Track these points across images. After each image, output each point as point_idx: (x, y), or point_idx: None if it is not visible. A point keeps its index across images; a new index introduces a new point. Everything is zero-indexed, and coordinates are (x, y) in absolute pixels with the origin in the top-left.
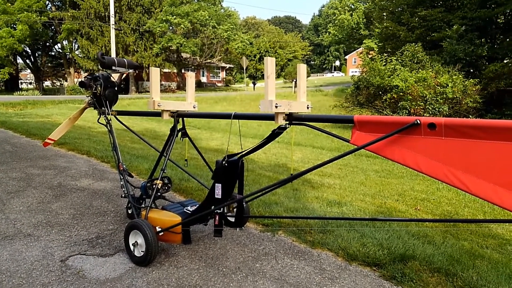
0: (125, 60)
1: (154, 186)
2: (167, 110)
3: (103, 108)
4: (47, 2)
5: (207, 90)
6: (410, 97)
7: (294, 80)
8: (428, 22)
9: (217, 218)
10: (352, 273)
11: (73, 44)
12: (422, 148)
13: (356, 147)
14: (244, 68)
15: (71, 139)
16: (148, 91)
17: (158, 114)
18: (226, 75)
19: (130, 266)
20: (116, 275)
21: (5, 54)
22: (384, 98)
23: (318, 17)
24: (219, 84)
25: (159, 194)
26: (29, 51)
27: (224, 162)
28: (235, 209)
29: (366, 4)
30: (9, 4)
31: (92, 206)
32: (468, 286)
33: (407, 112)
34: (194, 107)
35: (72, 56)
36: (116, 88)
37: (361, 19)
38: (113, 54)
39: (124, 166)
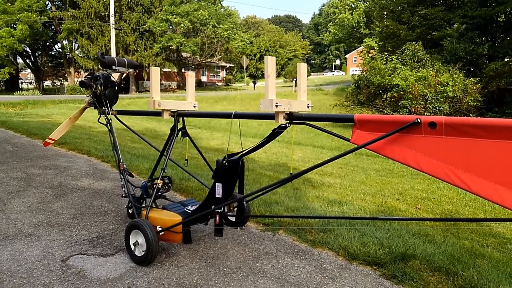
0: (125, 60)
1: (154, 185)
2: (167, 110)
3: (103, 108)
4: (47, 2)
5: (207, 90)
6: (411, 96)
7: (295, 79)
8: (428, 21)
9: (217, 217)
10: (352, 272)
11: (73, 43)
12: (423, 147)
13: (356, 146)
14: (245, 68)
15: (72, 138)
16: (148, 91)
17: (158, 113)
18: (226, 74)
19: (131, 266)
20: (117, 275)
21: (5, 54)
22: (384, 97)
23: (319, 16)
24: (220, 84)
25: (159, 193)
26: (29, 51)
27: (224, 162)
28: (235, 209)
29: (366, 3)
30: (9, 4)
31: (92, 205)
32: (469, 285)
33: (407, 111)
34: (194, 106)
35: (72, 56)
36: (116, 88)
37: (361, 18)
38: (113, 54)
39: (125, 165)
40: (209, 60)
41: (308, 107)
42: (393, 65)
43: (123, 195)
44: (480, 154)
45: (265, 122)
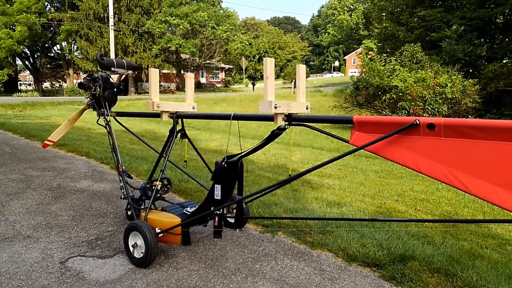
0: (124, 61)
1: (153, 187)
2: (166, 111)
3: (102, 109)
4: (46, 3)
5: (206, 91)
6: (409, 97)
7: (294, 81)
8: (427, 22)
9: (216, 219)
10: (352, 274)
11: (72, 45)
12: (421, 148)
13: (355, 147)
14: (243, 69)
15: (71, 140)
16: (147, 92)
17: (157, 115)
18: (225, 76)
19: (130, 268)
20: (116, 277)
21: (4, 56)
22: (383, 98)
23: (317, 18)
24: (219, 85)
25: (158, 195)
26: (28, 52)
27: (223, 163)
28: (234, 210)
29: (365, 4)
30: (8, 6)
31: (91, 207)
32: (468, 286)
33: (406, 112)
34: (193, 108)
35: (71, 57)
36: (115, 89)
37: (360, 19)
38: (112, 55)
39: (124, 167)
40: (208, 61)
41: (307, 108)
42: (392, 66)
43: (122, 197)
44: (479, 156)
45: (264, 124)
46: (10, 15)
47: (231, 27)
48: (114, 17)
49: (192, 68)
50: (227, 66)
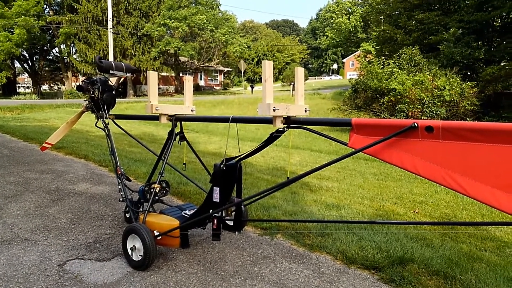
0: (123, 64)
1: (152, 190)
2: (165, 114)
3: (100, 112)
4: (45, 6)
5: (205, 94)
6: (408, 100)
7: (292, 83)
8: (425, 25)
9: (215, 221)
10: (350, 277)
11: (71, 48)
12: (420, 151)
13: (354, 150)
14: (242, 72)
15: (69, 143)
16: (146, 95)
17: (156, 118)
18: (224, 78)
19: (128, 271)
20: (114, 280)
21: (2, 58)
22: (381, 101)
23: (316, 21)
24: (217, 88)
25: (157, 198)
26: (27, 55)
27: (222, 166)
28: (233, 213)
29: (363, 7)
30: (7, 9)
31: (90, 210)
32: None
33: (404, 115)
34: (192, 110)
35: (69, 60)
36: (114, 92)
37: (358, 22)
38: (111, 58)
39: (122, 170)
40: (207, 64)
41: (305, 111)
42: (390, 69)
43: (121, 200)
44: (477, 158)
45: (263, 126)
46: (9, 18)
47: (230, 30)
48: (112, 20)
49: (190, 70)
50: (226, 69)
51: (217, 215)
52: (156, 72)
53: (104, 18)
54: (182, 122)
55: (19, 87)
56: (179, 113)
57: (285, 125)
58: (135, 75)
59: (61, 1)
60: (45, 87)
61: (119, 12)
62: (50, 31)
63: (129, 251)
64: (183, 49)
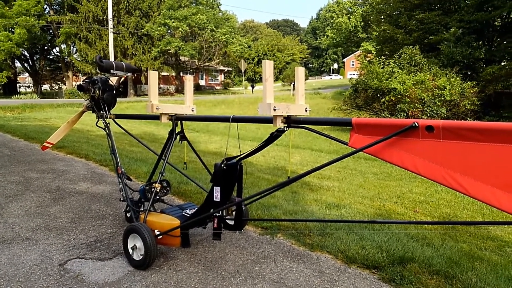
0: (123, 64)
1: (152, 189)
2: (165, 114)
3: (101, 112)
4: (45, 6)
5: (205, 93)
6: (408, 99)
7: (293, 83)
8: (425, 25)
9: (216, 221)
10: (351, 276)
11: (72, 47)
12: (420, 150)
13: (354, 149)
14: (243, 71)
15: (70, 142)
16: (147, 95)
17: (156, 117)
18: (224, 78)
19: (129, 270)
20: (115, 279)
21: (3, 58)
22: (382, 100)
23: (316, 20)
24: (218, 87)
25: (157, 197)
26: (27, 54)
27: (222, 165)
28: (234, 212)
29: (363, 7)
30: (7, 8)
31: (90, 209)
32: None
33: (405, 114)
34: (192, 110)
35: (70, 60)
36: (114, 92)
37: (358, 22)
38: (112, 58)
39: (123, 169)
40: (207, 64)
41: (306, 110)
42: (391, 69)
43: (121, 199)
44: (478, 158)
45: (263, 126)
46: (9, 17)
47: (230, 29)
48: (113, 19)
49: (191, 70)
50: (226, 69)
51: (217, 214)
52: (157, 72)
53: (105, 17)
54: (183, 121)
55: (19, 87)
56: (179, 112)
57: (286, 125)
58: (135, 75)
59: (62, 0)
60: (45, 86)
61: (119, 11)
62: (51, 31)
63: (130, 251)
64: (183, 49)
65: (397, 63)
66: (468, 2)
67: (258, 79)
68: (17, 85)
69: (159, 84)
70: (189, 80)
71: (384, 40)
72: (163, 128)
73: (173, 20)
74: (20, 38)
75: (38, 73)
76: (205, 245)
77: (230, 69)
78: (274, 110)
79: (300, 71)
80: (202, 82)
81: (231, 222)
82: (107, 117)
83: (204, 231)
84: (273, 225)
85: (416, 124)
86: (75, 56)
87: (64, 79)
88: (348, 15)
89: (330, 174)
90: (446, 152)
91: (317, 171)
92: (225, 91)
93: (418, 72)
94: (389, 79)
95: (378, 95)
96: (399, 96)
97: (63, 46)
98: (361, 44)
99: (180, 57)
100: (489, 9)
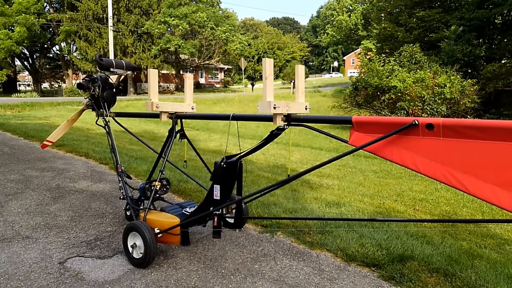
0: (123, 62)
1: (152, 187)
2: (165, 112)
3: (101, 110)
4: (45, 4)
5: (205, 91)
6: (408, 97)
7: (293, 81)
8: (426, 23)
9: (215, 219)
10: (351, 274)
11: (71, 46)
12: (420, 148)
13: (354, 147)
14: (243, 69)
15: (70, 140)
16: (147, 93)
17: (156, 115)
18: (224, 76)
19: (129, 268)
20: (115, 277)
21: (3, 56)
22: (382, 98)
23: (316, 18)
24: (218, 85)
25: (157, 195)
26: (27, 53)
27: (222, 163)
28: (234, 210)
29: (364, 5)
30: (7, 6)
31: (90, 208)
32: (467, 286)
33: (405, 112)
34: (192, 108)
35: (70, 58)
36: (114, 90)
37: (359, 20)
38: (111, 56)
39: (123, 167)
40: (207, 62)
41: (306, 109)
42: (391, 67)
43: (121, 197)
44: (478, 156)
45: (263, 124)
46: (9, 15)
47: (230, 27)
48: (113, 17)
49: (191, 68)
50: (226, 67)
51: (217, 212)
52: (157, 70)
53: (105, 16)
54: (183, 120)
55: (19, 85)
56: (179, 111)
57: (286, 123)
58: (135, 73)
59: None
60: (45, 85)
61: (119, 10)
62: (51, 29)
63: (130, 249)
64: (183, 47)
65: (398, 61)
66: (468, 0)
67: (258, 77)
68: (17, 83)
69: (159, 82)
70: (189, 78)
71: (385, 38)
72: (163, 126)
73: (173, 18)
74: (20, 36)
75: (38, 71)
76: (205, 243)
77: (230, 67)
78: (274, 108)
79: (300, 69)
80: (202, 80)
81: (231, 220)
82: (107, 115)
83: (204, 229)
84: (273, 223)
85: (416, 122)
86: (75, 54)
87: (64, 77)
88: (349, 13)
89: (330, 172)
90: (446, 150)
91: (317, 169)
92: (225, 89)
93: (418, 70)
94: (390, 77)
95: (378, 93)
96: (399, 94)
97: (63, 44)
98: (362, 42)
99: (180, 55)
100: (490, 7)
